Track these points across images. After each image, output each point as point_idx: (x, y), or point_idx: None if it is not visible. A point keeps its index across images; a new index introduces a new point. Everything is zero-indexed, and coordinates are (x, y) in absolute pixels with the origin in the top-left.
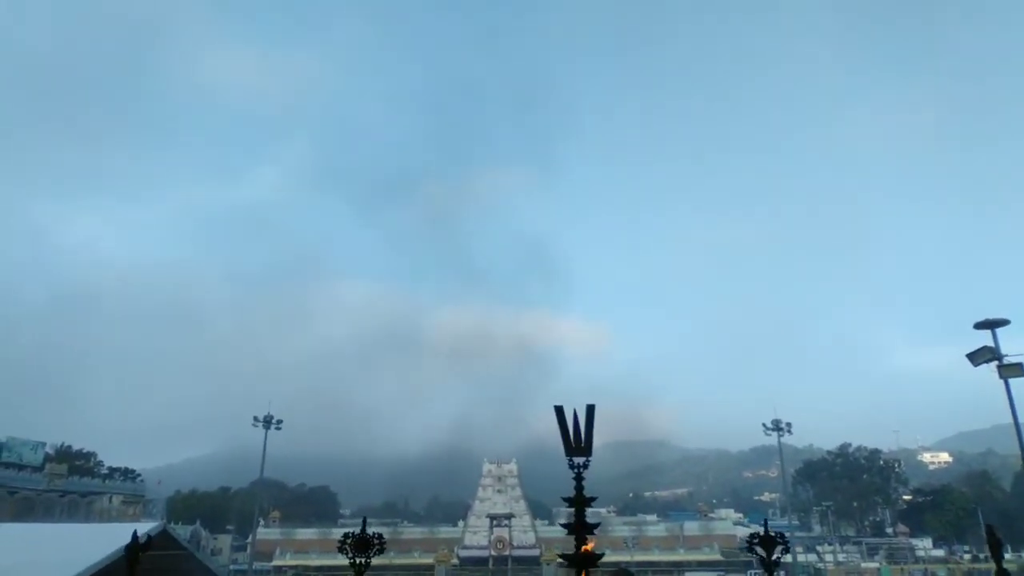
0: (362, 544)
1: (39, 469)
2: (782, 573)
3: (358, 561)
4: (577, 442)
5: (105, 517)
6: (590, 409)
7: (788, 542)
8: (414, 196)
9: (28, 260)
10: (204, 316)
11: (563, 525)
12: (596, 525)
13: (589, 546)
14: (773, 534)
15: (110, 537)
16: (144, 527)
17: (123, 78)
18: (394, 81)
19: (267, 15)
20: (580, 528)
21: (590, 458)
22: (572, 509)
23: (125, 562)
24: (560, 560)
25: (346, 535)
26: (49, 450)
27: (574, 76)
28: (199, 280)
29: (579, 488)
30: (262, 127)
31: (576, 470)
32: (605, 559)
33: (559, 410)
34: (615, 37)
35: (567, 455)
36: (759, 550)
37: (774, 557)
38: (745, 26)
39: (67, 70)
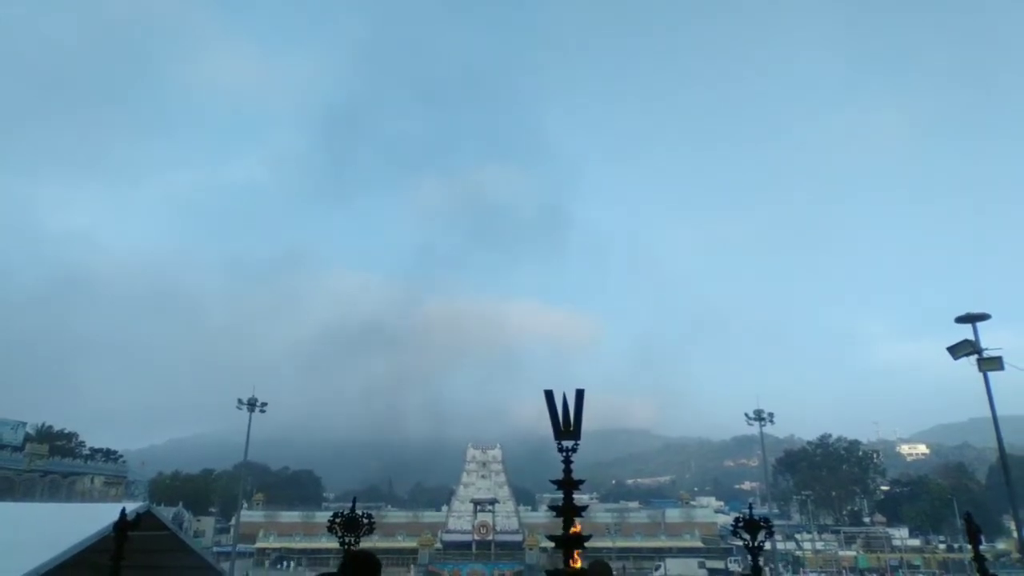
0: (351, 524)
1: (19, 449)
2: (761, 559)
3: (347, 541)
4: (566, 426)
5: (87, 497)
6: (579, 394)
7: (772, 526)
8: (408, 189)
9: (23, 245)
10: (195, 303)
11: (551, 507)
12: (584, 508)
13: (577, 528)
14: (757, 518)
15: (93, 516)
16: (129, 507)
17: (124, 70)
18: (391, 76)
19: (266, 12)
20: (568, 510)
21: (579, 441)
22: (557, 494)
23: (111, 541)
24: (548, 542)
25: (335, 514)
26: (30, 430)
27: (564, 75)
28: (192, 267)
29: (567, 471)
30: (259, 119)
31: (565, 453)
32: (587, 545)
33: (549, 394)
34: (607, 35)
35: (556, 438)
36: (743, 534)
37: (757, 542)
38: (739, 25)
39: (69, 62)
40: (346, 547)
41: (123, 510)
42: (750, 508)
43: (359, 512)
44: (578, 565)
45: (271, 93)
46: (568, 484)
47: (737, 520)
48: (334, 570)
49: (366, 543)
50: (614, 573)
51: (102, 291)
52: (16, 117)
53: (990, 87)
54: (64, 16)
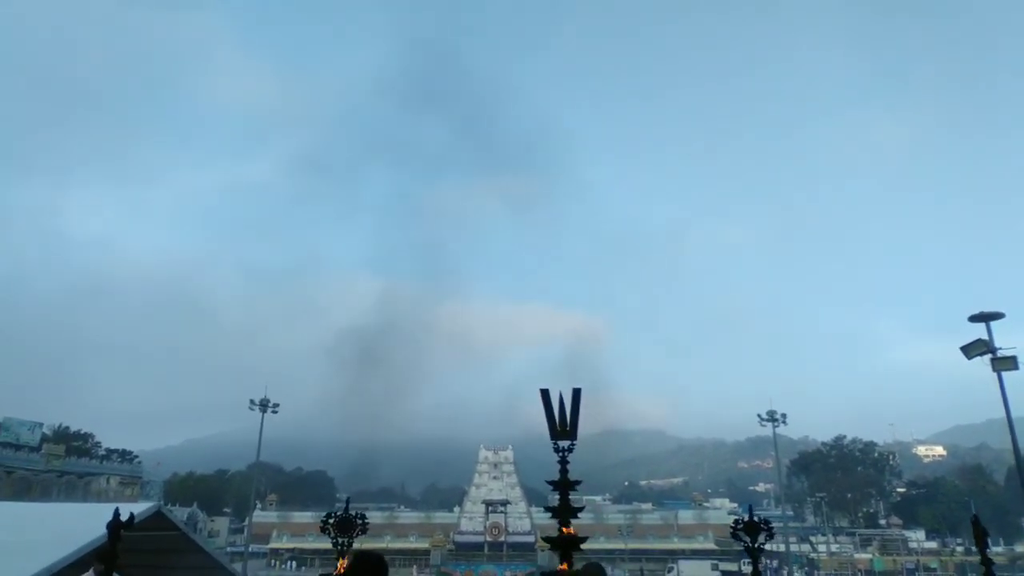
0: (345, 524)
1: (36, 449)
2: (775, 562)
3: (340, 542)
4: (563, 425)
5: (103, 498)
6: (576, 393)
7: (772, 528)
8: (425, 195)
9: (44, 253)
10: (211, 306)
11: (547, 508)
12: (580, 508)
13: (568, 529)
14: (757, 520)
15: (105, 516)
16: (139, 507)
17: (141, 81)
18: (402, 82)
19: (282, 26)
20: (564, 511)
21: (575, 441)
22: (574, 495)
23: (121, 540)
24: (544, 543)
25: (328, 514)
26: (46, 431)
27: (571, 77)
28: (209, 273)
29: (564, 471)
30: (272, 127)
31: (561, 453)
32: (600, 547)
33: (545, 393)
34: (612, 37)
35: (552, 438)
36: (743, 536)
37: (758, 544)
38: (749, 27)
39: (93, 74)
40: (340, 548)
41: (116, 510)
42: (750, 509)
43: (352, 512)
44: (566, 567)
45: (284, 102)
46: (564, 485)
47: (737, 522)
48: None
49: (379, 544)
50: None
51: (120, 295)
52: (42, 126)
53: (998, 85)
54: (89, 31)
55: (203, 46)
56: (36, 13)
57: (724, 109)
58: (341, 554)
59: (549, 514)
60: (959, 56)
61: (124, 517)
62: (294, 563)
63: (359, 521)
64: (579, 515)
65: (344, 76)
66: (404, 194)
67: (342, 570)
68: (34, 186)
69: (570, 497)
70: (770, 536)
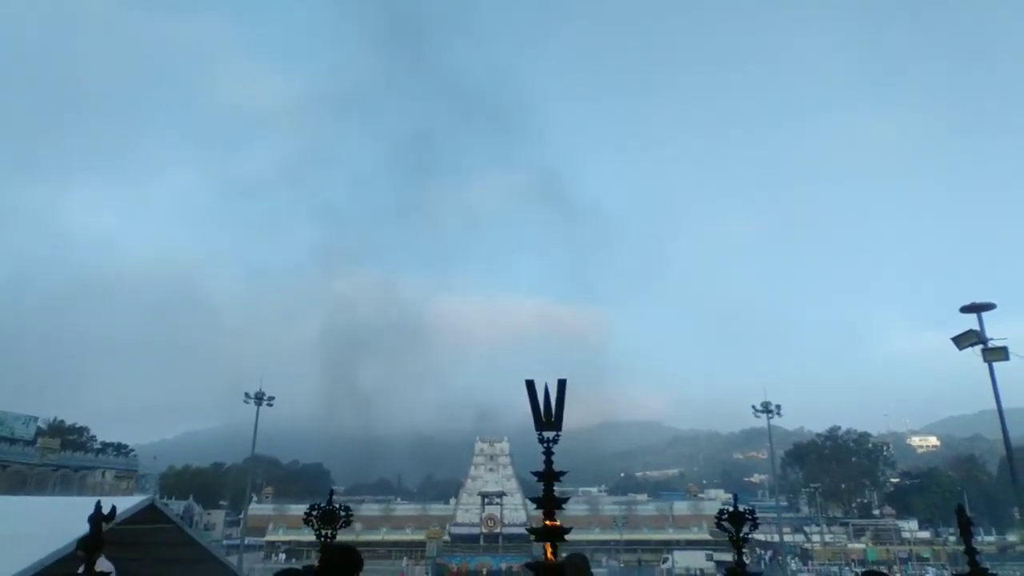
0: (328, 516)
1: (31, 443)
2: (770, 552)
3: (324, 533)
4: (547, 416)
5: (98, 491)
6: (561, 384)
7: (757, 519)
8: (424, 191)
9: (45, 251)
10: (210, 302)
11: (531, 499)
12: (564, 500)
13: (553, 520)
14: (742, 510)
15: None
16: (132, 501)
17: (139, 79)
18: (397, 76)
19: (284, 24)
20: (548, 502)
21: (560, 433)
22: (567, 486)
23: (113, 533)
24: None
25: (312, 506)
26: (41, 425)
27: (575, 77)
28: (208, 270)
29: (548, 463)
30: (274, 126)
31: (545, 444)
32: (595, 537)
33: (530, 384)
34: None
35: (537, 429)
36: (727, 526)
37: (742, 534)
38: (748, 23)
39: (93, 75)
40: (324, 539)
41: (98, 503)
42: (735, 499)
43: (336, 504)
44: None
45: (284, 100)
46: (549, 476)
47: (722, 512)
48: (300, 567)
49: (375, 535)
50: (609, 565)
51: (120, 292)
52: (43, 125)
53: (993, 83)
54: (89, 31)
55: (203, 44)
56: (36, 13)
57: (722, 106)
58: (325, 547)
59: (535, 505)
60: (956, 53)
61: (119, 511)
62: (284, 555)
63: (342, 513)
64: (564, 507)
65: (343, 73)
66: (403, 189)
67: None
68: (36, 185)
69: (555, 488)
70: (754, 526)
